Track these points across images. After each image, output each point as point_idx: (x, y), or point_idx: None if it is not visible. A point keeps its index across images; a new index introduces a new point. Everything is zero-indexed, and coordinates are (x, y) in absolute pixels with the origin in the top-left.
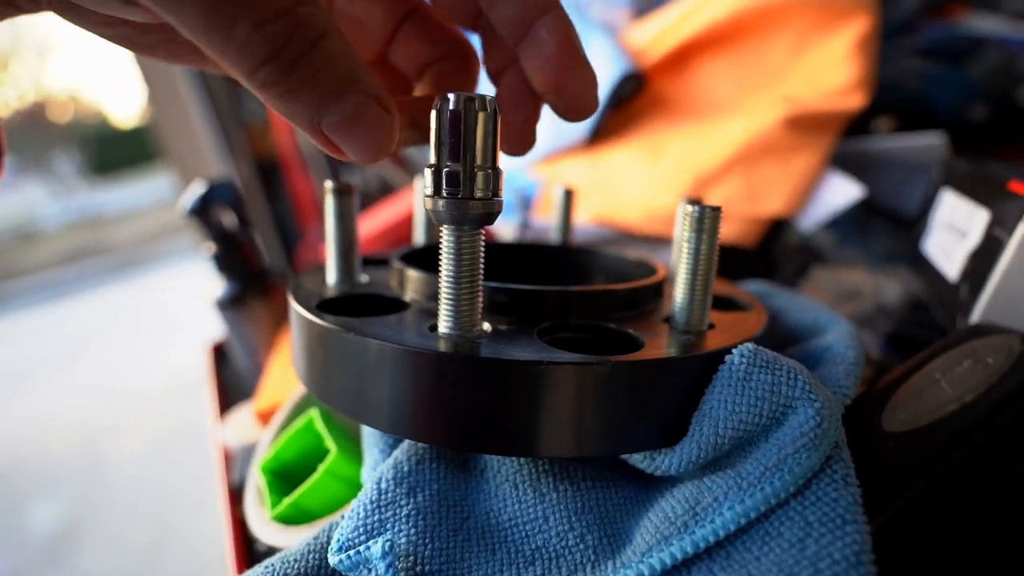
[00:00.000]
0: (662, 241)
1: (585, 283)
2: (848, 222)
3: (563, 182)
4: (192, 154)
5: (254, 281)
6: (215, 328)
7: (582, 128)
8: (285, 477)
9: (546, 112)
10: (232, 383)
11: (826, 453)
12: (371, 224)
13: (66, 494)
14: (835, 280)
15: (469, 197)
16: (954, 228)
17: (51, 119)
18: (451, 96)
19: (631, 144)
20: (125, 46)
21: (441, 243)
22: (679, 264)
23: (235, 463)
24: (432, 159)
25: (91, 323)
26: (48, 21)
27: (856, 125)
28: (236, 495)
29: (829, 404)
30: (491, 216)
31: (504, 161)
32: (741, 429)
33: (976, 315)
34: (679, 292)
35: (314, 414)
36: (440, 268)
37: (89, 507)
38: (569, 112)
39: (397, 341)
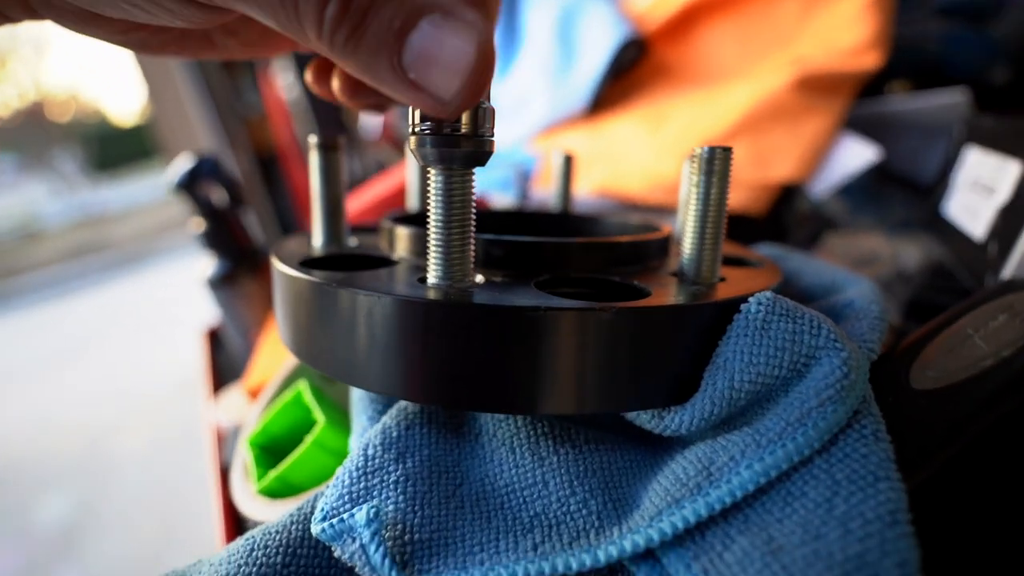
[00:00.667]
0: (666, 211)
1: None
2: (861, 189)
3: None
4: (191, 149)
5: (245, 259)
6: (213, 315)
7: (581, 98)
8: (274, 451)
9: (543, 83)
10: (226, 366)
11: (854, 407)
12: (362, 198)
13: (72, 489)
14: (850, 246)
15: (457, 132)
16: (980, 185)
17: (52, 118)
18: None
19: (633, 113)
20: (136, 50)
21: (429, 186)
22: (687, 211)
23: (226, 443)
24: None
25: (94, 320)
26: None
27: (870, 90)
28: (227, 474)
29: (856, 354)
30: (483, 155)
31: (503, 135)
32: (759, 382)
33: (1009, 270)
34: (688, 240)
35: (303, 386)
36: (428, 214)
37: (96, 502)
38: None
39: (383, 292)
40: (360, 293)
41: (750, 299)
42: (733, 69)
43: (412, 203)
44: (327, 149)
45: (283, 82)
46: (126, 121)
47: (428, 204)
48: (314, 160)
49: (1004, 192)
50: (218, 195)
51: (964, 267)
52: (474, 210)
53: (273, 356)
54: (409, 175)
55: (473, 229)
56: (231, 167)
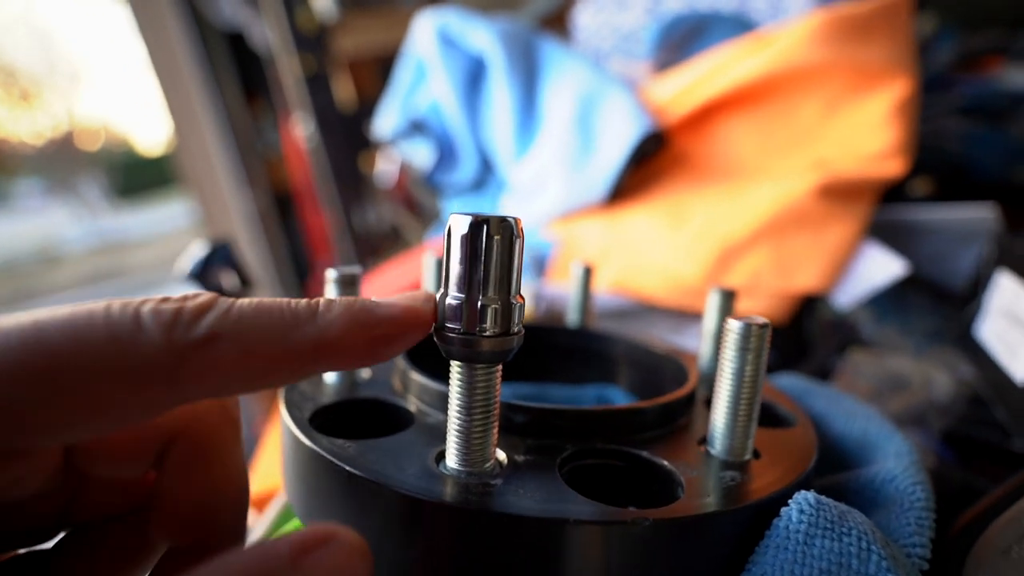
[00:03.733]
0: (685, 316)
1: (605, 374)
2: (887, 296)
3: (580, 242)
4: (211, 184)
5: None
6: None
7: (600, 187)
8: None
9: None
10: None
11: None
12: (377, 290)
13: None
14: (877, 367)
15: (479, 335)
16: (1018, 320)
17: (81, 146)
18: (461, 217)
19: (652, 205)
20: None
21: (451, 376)
22: (719, 385)
23: None
24: (441, 287)
25: None
26: (81, 51)
27: (891, 188)
28: None
29: None
30: (505, 354)
31: (518, 217)
32: None
33: None
34: (719, 417)
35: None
36: (450, 402)
37: None
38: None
39: (397, 482)
40: (371, 480)
41: (791, 504)
42: (753, 165)
43: None
44: (345, 284)
45: (303, 133)
46: (151, 151)
47: (450, 393)
48: (330, 295)
49: None
50: (229, 280)
51: (1003, 405)
52: (498, 401)
53: (277, 462)
54: (425, 284)
55: (496, 419)
56: (248, 204)
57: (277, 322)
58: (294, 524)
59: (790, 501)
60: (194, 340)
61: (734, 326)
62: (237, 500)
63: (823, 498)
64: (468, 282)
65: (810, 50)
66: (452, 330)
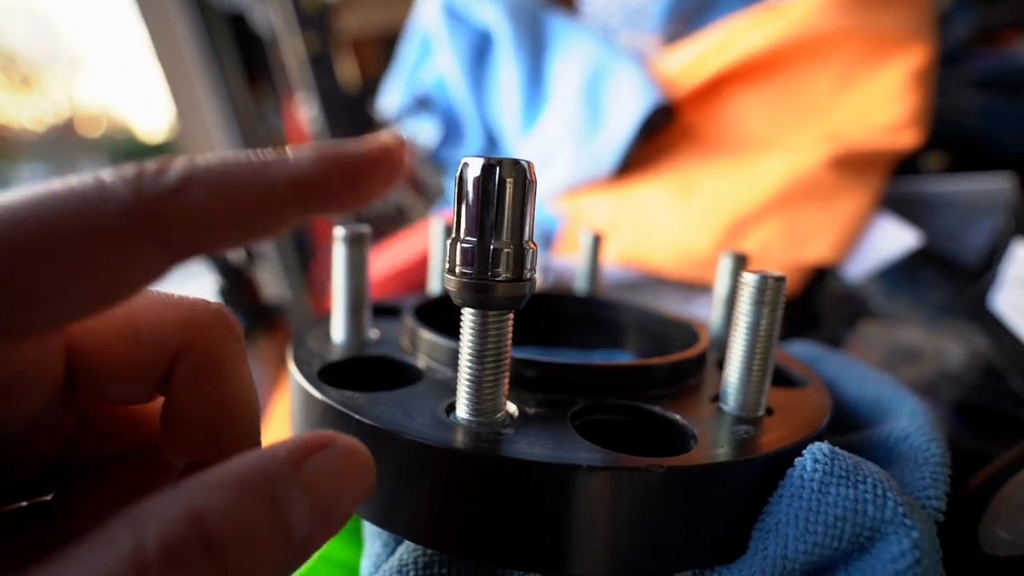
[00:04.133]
0: (694, 288)
1: (614, 340)
2: (898, 269)
3: (588, 216)
4: None
5: (259, 318)
6: None
7: (608, 160)
8: None
9: (568, 142)
10: None
11: None
12: (383, 262)
13: None
14: (889, 338)
15: (491, 279)
16: None
17: (83, 132)
18: (474, 160)
19: (660, 179)
20: None
21: (462, 324)
22: (734, 339)
23: None
24: (452, 231)
25: None
26: (80, 32)
27: (904, 162)
28: None
29: (929, 532)
30: (518, 300)
31: None
32: (815, 553)
33: None
34: (733, 372)
35: None
36: (460, 350)
37: None
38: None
39: (407, 429)
40: (381, 428)
41: (805, 454)
42: (764, 138)
43: (434, 284)
44: (353, 242)
45: (307, 115)
46: (153, 138)
47: (461, 341)
48: (339, 254)
49: None
50: (236, 255)
51: (1019, 373)
52: (510, 349)
53: (285, 424)
54: (433, 250)
55: (507, 369)
56: None
57: (248, 166)
58: None
59: (804, 451)
60: (166, 187)
61: (749, 279)
62: (248, 414)
63: (837, 449)
64: (480, 225)
65: (824, 18)
66: (465, 275)
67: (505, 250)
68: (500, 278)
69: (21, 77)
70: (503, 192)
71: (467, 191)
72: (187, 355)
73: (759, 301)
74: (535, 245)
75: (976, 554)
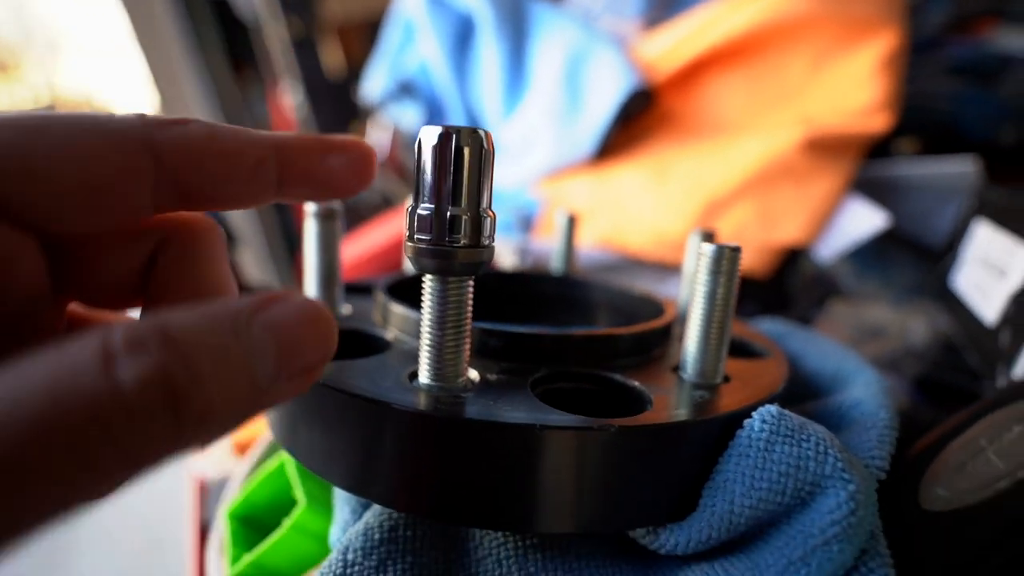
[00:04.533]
0: (669, 269)
1: (586, 318)
2: (868, 251)
3: (567, 200)
4: None
5: None
6: None
7: (588, 144)
8: (254, 524)
9: (549, 127)
10: None
11: (860, 546)
12: (360, 246)
13: None
14: (856, 315)
15: (450, 245)
16: (991, 265)
17: None
18: (431, 128)
19: (638, 162)
20: None
21: (423, 289)
22: (692, 308)
23: (210, 496)
24: (410, 199)
25: None
26: (59, 16)
27: (876, 147)
28: (205, 534)
29: (865, 485)
30: (477, 266)
31: (506, 179)
32: (760, 508)
33: (1022, 367)
34: (691, 340)
35: (286, 457)
36: (422, 315)
37: (78, 519)
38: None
39: (370, 393)
40: (346, 393)
41: (753, 415)
42: (740, 122)
43: (409, 265)
44: (324, 218)
45: (292, 102)
46: None
47: (422, 306)
48: (310, 229)
49: (1017, 278)
50: None
51: (975, 349)
52: (470, 311)
53: None
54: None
55: (468, 333)
56: None
57: (238, 127)
58: (278, 462)
59: (754, 413)
60: (166, 119)
61: (707, 249)
62: (229, 295)
63: (785, 410)
64: (438, 193)
65: (799, 2)
66: (423, 241)
67: (463, 216)
68: (458, 244)
69: None
70: (460, 159)
71: (425, 159)
72: (172, 241)
73: (716, 271)
74: (493, 213)
75: (914, 509)
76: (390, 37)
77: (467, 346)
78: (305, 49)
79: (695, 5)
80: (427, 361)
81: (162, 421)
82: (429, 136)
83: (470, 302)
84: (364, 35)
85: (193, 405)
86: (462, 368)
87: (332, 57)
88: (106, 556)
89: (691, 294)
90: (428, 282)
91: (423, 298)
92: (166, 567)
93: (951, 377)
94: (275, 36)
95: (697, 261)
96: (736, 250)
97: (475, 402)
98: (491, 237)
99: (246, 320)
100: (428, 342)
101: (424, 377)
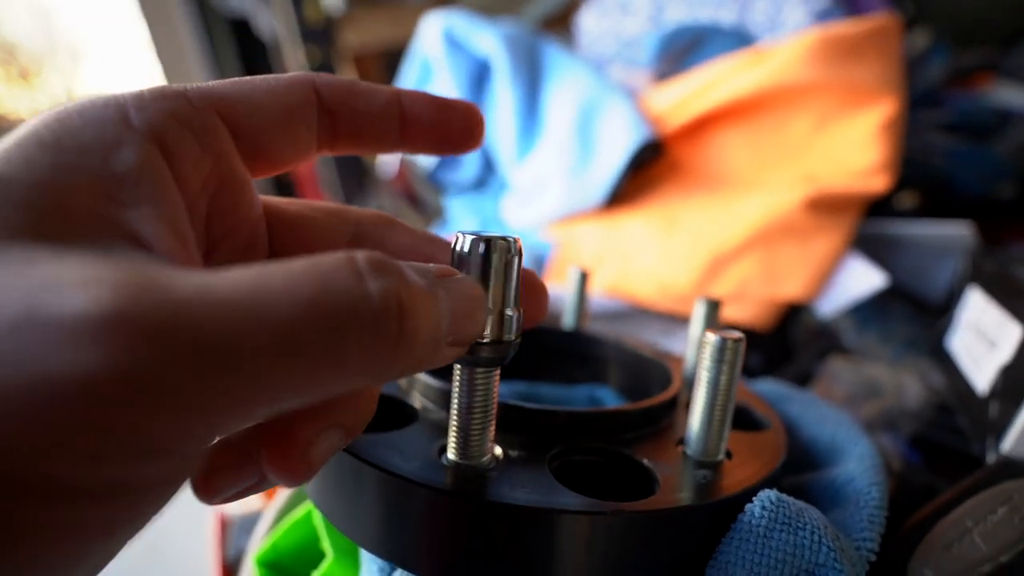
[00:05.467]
0: (676, 320)
1: (596, 374)
2: (869, 305)
3: (578, 244)
4: None
5: None
6: None
7: (599, 192)
8: (281, 570)
9: (561, 173)
10: None
11: None
12: None
13: None
14: (855, 373)
15: (482, 341)
16: (982, 334)
17: None
18: (471, 237)
19: (647, 212)
20: None
21: (455, 376)
22: (696, 392)
23: (232, 533)
24: None
25: None
26: (81, 25)
27: (878, 200)
28: (229, 570)
29: (855, 573)
30: (503, 359)
31: (518, 220)
32: None
33: (1009, 443)
34: (695, 422)
35: (312, 507)
36: (452, 401)
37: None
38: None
39: (403, 471)
40: (377, 469)
41: (755, 501)
42: (745, 177)
43: None
44: None
45: None
46: None
47: (452, 393)
48: None
49: (1006, 352)
50: None
51: (966, 414)
52: (496, 398)
53: None
54: None
55: (494, 417)
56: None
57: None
58: (304, 511)
59: (754, 498)
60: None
61: (711, 339)
62: None
63: (784, 496)
64: None
65: (804, 68)
66: None
67: (491, 316)
68: (485, 340)
69: (20, 69)
70: (487, 264)
71: (458, 264)
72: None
73: (719, 359)
74: (520, 311)
75: None
76: (408, 74)
77: (492, 428)
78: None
79: (704, 61)
80: (455, 441)
81: (390, 333)
82: (463, 242)
83: (496, 389)
84: (381, 64)
85: (408, 326)
86: (487, 447)
87: None
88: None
89: (696, 378)
90: (458, 371)
91: (453, 385)
92: None
93: (945, 438)
94: (293, 60)
95: (701, 348)
96: (739, 341)
97: (499, 482)
98: (516, 333)
99: (435, 280)
100: (457, 424)
101: (452, 455)
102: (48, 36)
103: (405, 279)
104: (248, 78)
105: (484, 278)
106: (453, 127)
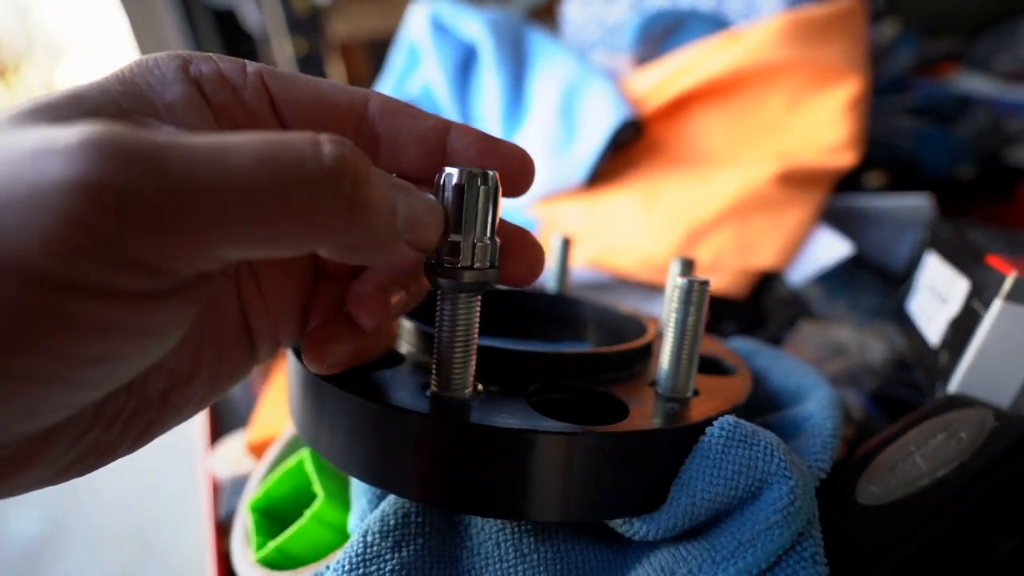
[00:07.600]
0: (655, 289)
1: (577, 334)
2: (837, 276)
3: (561, 222)
4: None
5: None
6: None
7: (580, 171)
8: (273, 516)
9: (545, 154)
10: (223, 409)
11: (798, 530)
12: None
13: (46, 503)
14: (822, 335)
15: (468, 267)
16: (936, 293)
17: None
18: (454, 171)
19: (628, 188)
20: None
21: (438, 307)
22: (666, 333)
23: (223, 495)
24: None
25: None
26: (61, 20)
27: (848, 179)
28: (222, 528)
29: (803, 480)
30: (487, 284)
31: (504, 200)
32: (717, 501)
33: (954, 384)
34: (665, 360)
35: (305, 455)
36: (436, 330)
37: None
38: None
39: (388, 400)
40: (367, 401)
41: (713, 424)
42: (721, 154)
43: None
44: None
45: None
46: None
47: (436, 322)
48: None
49: (954, 306)
50: None
51: (921, 368)
52: (477, 329)
53: (277, 412)
54: None
55: (475, 349)
56: None
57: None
58: (296, 460)
59: (714, 422)
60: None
61: (679, 283)
62: None
63: (740, 420)
64: (453, 224)
65: (775, 48)
66: (448, 263)
67: (475, 244)
68: (467, 266)
69: None
70: (462, 193)
71: (443, 195)
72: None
73: (687, 301)
74: (498, 240)
75: (850, 502)
76: (396, 61)
77: (473, 361)
78: (310, 65)
79: (682, 44)
80: (439, 373)
81: (342, 194)
82: (442, 174)
83: (477, 320)
84: (368, 54)
85: (361, 192)
86: (469, 381)
87: (336, 75)
88: (88, 559)
89: (666, 320)
90: (440, 302)
91: (438, 316)
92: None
93: (902, 392)
94: (280, 52)
95: (671, 292)
96: (704, 283)
97: (478, 410)
98: (492, 262)
99: (397, 183)
100: (441, 356)
101: (436, 387)
102: (26, 32)
103: (363, 157)
104: (307, 75)
105: (459, 206)
106: (502, 167)
